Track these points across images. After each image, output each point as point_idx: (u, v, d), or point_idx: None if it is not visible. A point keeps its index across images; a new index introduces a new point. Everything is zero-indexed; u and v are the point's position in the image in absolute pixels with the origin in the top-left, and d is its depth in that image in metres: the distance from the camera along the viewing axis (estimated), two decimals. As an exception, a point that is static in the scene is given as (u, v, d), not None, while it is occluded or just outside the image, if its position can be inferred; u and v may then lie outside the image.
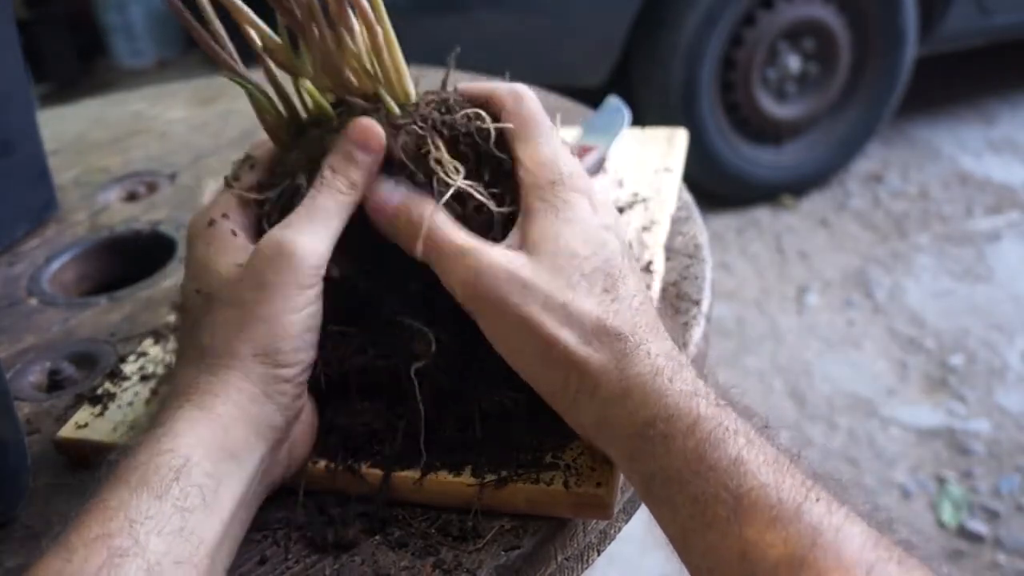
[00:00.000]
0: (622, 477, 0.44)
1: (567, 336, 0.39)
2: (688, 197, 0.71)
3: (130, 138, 0.95)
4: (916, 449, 1.63)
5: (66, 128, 0.98)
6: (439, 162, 0.43)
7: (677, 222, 0.67)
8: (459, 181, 0.43)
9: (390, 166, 0.44)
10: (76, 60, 3.59)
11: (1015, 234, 2.25)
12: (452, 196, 0.43)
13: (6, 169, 0.71)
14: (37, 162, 0.76)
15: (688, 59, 2.16)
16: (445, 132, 0.44)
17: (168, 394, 0.41)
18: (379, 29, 0.44)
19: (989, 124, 2.81)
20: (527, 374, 0.41)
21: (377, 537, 0.42)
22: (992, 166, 2.57)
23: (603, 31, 2.12)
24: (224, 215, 0.45)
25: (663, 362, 0.38)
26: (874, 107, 2.44)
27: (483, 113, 0.45)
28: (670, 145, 0.75)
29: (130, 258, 0.74)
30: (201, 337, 0.41)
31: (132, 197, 0.83)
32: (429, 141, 0.43)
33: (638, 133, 0.77)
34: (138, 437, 0.38)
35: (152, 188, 0.84)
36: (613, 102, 0.76)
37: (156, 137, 0.95)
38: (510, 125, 0.45)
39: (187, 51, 3.84)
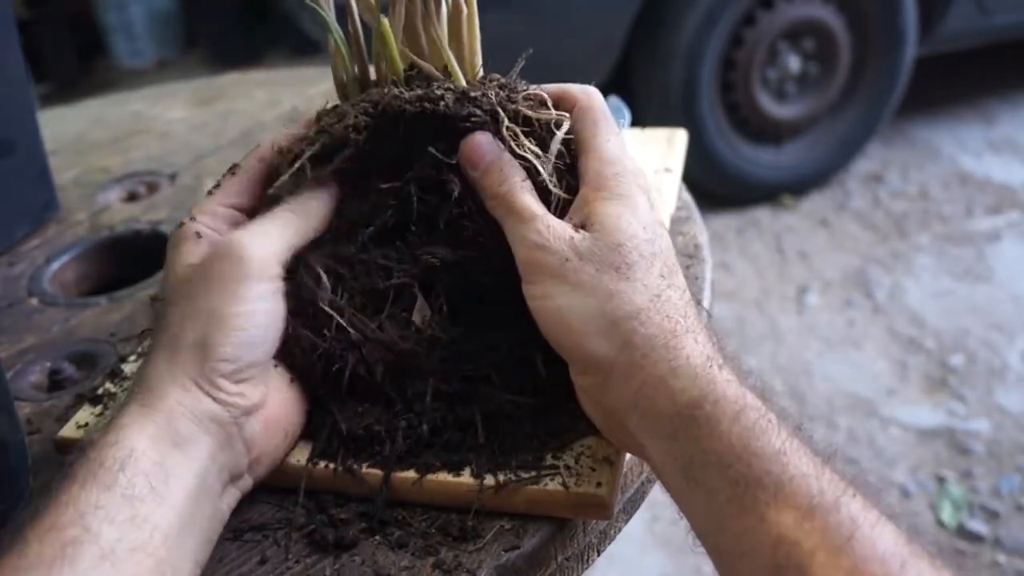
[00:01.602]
0: (622, 478, 0.45)
1: (616, 308, 0.40)
2: (688, 197, 0.71)
3: (130, 138, 0.95)
4: (916, 449, 1.63)
5: (66, 128, 0.98)
6: (513, 133, 0.45)
7: (677, 222, 0.67)
8: (534, 152, 0.45)
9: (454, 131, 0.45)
10: (76, 60, 3.59)
11: (1015, 234, 2.25)
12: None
13: (6, 169, 0.71)
14: (37, 162, 0.76)
15: (688, 59, 2.15)
16: (510, 110, 0.45)
17: (127, 393, 0.42)
18: (465, 8, 0.47)
19: (989, 124, 2.81)
20: (567, 346, 0.41)
21: (377, 537, 0.42)
22: (992, 166, 2.57)
23: (603, 31, 2.12)
24: (193, 218, 0.46)
25: (711, 351, 0.39)
26: (874, 107, 2.43)
27: (547, 98, 0.47)
28: (670, 145, 0.75)
29: (130, 258, 0.74)
30: (154, 335, 0.43)
31: (132, 197, 0.83)
32: (502, 112, 0.45)
33: (638, 133, 0.77)
34: (91, 438, 0.39)
35: (152, 188, 0.84)
36: (613, 102, 0.75)
37: (156, 137, 0.95)
38: (566, 114, 0.47)
39: (187, 51, 3.84)
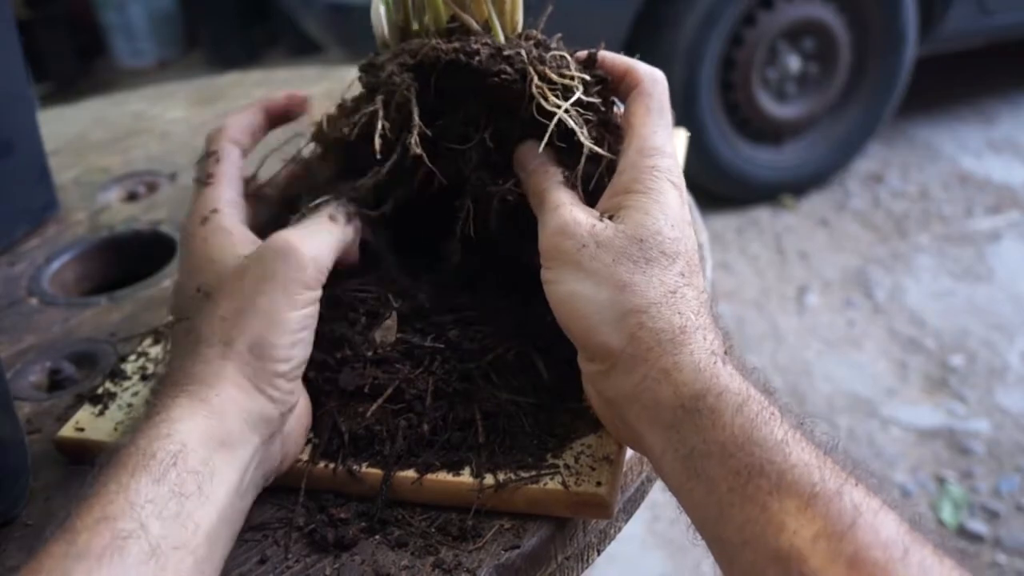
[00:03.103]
0: (622, 477, 0.45)
1: (626, 300, 0.40)
2: (688, 197, 0.71)
3: (130, 138, 0.95)
4: (916, 449, 1.63)
5: (66, 128, 0.98)
6: (542, 92, 0.45)
7: (677, 222, 0.67)
8: (563, 106, 0.45)
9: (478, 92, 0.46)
10: (76, 60, 3.59)
11: (1015, 234, 2.26)
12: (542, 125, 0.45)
13: (6, 169, 0.71)
14: (37, 162, 0.76)
15: (688, 59, 2.16)
16: (539, 70, 0.46)
17: (163, 382, 0.42)
18: None
19: (989, 124, 2.81)
20: (574, 331, 0.42)
21: (377, 537, 0.42)
22: (992, 166, 2.58)
23: (603, 31, 2.12)
24: (214, 210, 0.47)
25: (718, 347, 0.39)
26: (874, 107, 2.44)
27: (568, 58, 0.48)
28: (670, 145, 0.75)
29: (130, 258, 0.74)
30: (199, 327, 0.42)
31: (132, 197, 0.83)
32: (532, 70, 0.45)
33: (638, 133, 0.77)
34: (136, 424, 0.39)
35: (152, 188, 0.84)
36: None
37: (156, 137, 0.95)
38: (586, 77, 0.47)
39: (187, 51, 3.84)
